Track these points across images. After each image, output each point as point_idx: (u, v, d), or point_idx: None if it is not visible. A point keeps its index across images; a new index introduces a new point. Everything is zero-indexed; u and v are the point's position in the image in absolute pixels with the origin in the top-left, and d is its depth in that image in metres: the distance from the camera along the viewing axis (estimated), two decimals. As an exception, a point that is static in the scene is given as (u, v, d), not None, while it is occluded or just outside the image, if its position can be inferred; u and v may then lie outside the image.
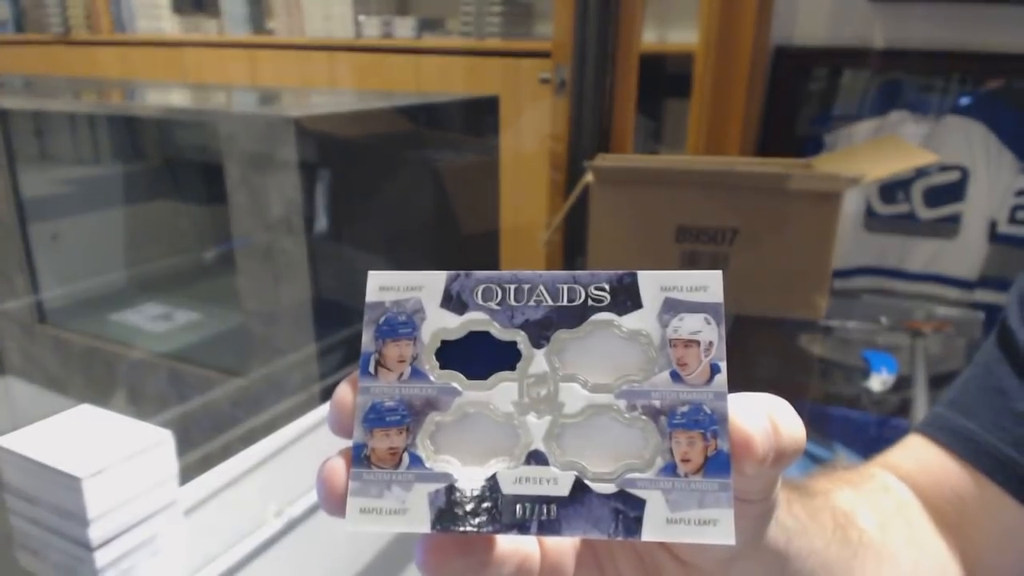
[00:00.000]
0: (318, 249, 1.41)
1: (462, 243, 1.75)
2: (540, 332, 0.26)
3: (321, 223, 1.44)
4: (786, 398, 0.28)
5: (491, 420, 0.26)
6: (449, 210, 1.71)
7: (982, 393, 0.51)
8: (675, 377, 0.25)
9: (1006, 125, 1.69)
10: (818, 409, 1.12)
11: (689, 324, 0.26)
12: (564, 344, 0.26)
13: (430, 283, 0.27)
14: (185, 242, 2.14)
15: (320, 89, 2.76)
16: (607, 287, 0.26)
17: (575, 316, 0.26)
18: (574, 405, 0.26)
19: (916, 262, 1.80)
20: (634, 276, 0.26)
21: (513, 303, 0.26)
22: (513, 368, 0.26)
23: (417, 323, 0.26)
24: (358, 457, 0.25)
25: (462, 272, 0.27)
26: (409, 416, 0.26)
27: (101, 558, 0.66)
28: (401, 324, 0.26)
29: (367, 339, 0.26)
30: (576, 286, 0.26)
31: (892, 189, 1.78)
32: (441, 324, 0.26)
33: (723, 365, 0.25)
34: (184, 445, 0.77)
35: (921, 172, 1.73)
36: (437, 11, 2.90)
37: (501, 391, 0.26)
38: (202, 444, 1.26)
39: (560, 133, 1.59)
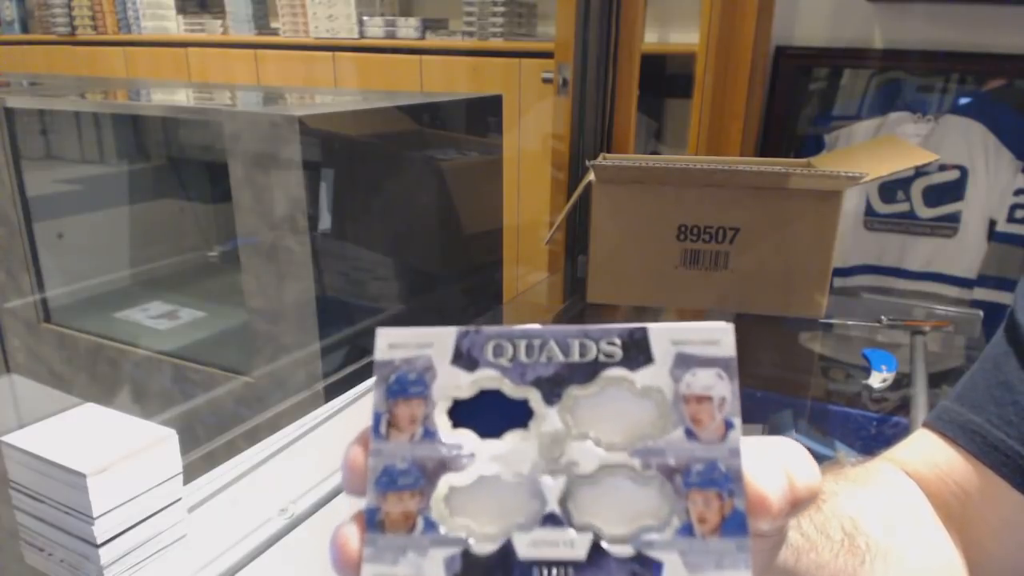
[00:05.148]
0: (322, 247, 1.41)
1: (465, 242, 1.75)
2: (552, 389, 0.26)
3: (325, 222, 1.44)
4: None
5: (505, 482, 0.25)
6: (452, 209, 1.71)
7: (989, 387, 0.52)
8: (689, 434, 0.25)
9: (1005, 125, 1.69)
10: (819, 407, 1.12)
11: (702, 379, 0.25)
12: (577, 401, 0.26)
13: (440, 340, 0.26)
14: (189, 241, 2.15)
15: (324, 89, 2.77)
16: (619, 342, 0.26)
17: (587, 372, 0.26)
18: (588, 464, 0.25)
19: (916, 261, 1.80)
20: (645, 331, 0.26)
21: (524, 360, 0.26)
22: (525, 426, 0.26)
23: (428, 381, 0.26)
24: (372, 522, 0.25)
25: (472, 328, 0.26)
26: (422, 479, 0.25)
27: (106, 555, 0.66)
28: (412, 383, 0.26)
29: (378, 399, 0.26)
30: (587, 341, 0.26)
31: (892, 188, 1.78)
32: (452, 382, 0.26)
33: (737, 421, 0.25)
34: (188, 443, 0.77)
35: (921, 171, 1.74)
36: (440, 12, 2.91)
37: (514, 451, 0.25)
38: (206, 442, 1.27)
39: (562, 132, 1.59)
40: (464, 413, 0.26)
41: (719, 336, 0.26)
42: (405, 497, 0.25)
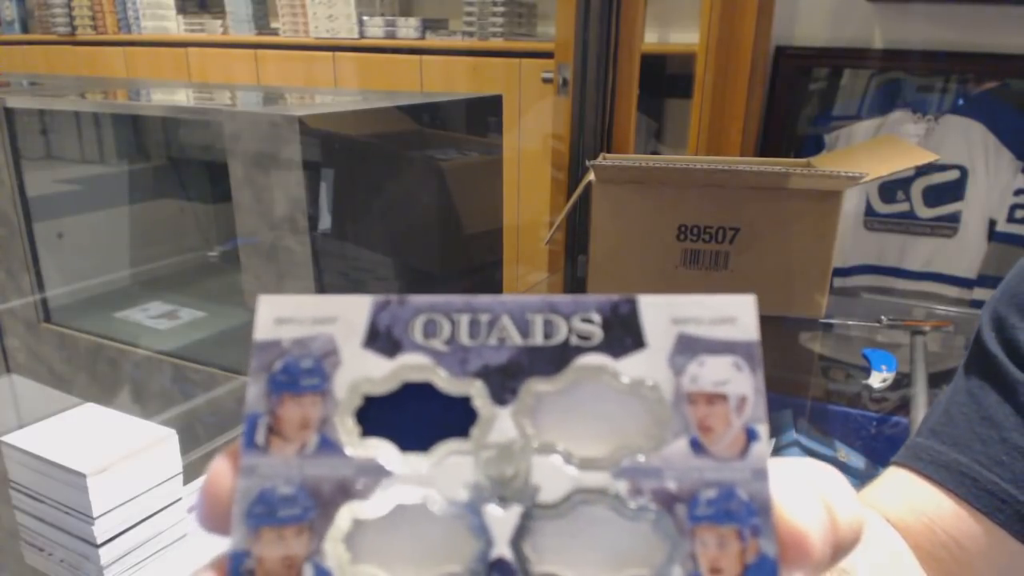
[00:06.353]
0: (322, 247, 1.41)
1: (465, 241, 1.75)
2: (504, 383, 0.19)
3: (325, 221, 1.44)
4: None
5: (434, 513, 0.18)
6: (452, 209, 1.71)
7: (971, 423, 0.48)
8: (696, 447, 0.18)
9: (1005, 125, 1.70)
10: (819, 407, 1.12)
11: (713, 371, 0.19)
12: (539, 400, 0.19)
13: (348, 313, 0.19)
14: (189, 240, 2.15)
15: (324, 89, 2.77)
16: (598, 318, 0.19)
17: (553, 360, 0.19)
18: (554, 489, 0.18)
19: (915, 261, 1.81)
20: (633, 303, 0.19)
21: (467, 342, 0.19)
22: (466, 434, 0.18)
23: (328, 371, 0.19)
24: (237, 572, 0.17)
25: (393, 297, 0.19)
26: (314, 509, 0.18)
27: (106, 555, 0.66)
28: (305, 373, 0.19)
29: (254, 395, 0.19)
30: (554, 317, 0.19)
31: (892, 188, 1.79)
32: (363, 372, 0.19)
33: (763, 430, 0.18)
34: (188, 443, 0.78)
35: (921, 171, 1.74)
36: (440, 12, 2.91)
37: (449, 469, 0.18)
38: (206, 442, 1.27)
39: (562, 132, 1.60)
40: (379, 416, 0.19)
41: (737, 312, 0.19)
42: (288, 535, 0.18)
